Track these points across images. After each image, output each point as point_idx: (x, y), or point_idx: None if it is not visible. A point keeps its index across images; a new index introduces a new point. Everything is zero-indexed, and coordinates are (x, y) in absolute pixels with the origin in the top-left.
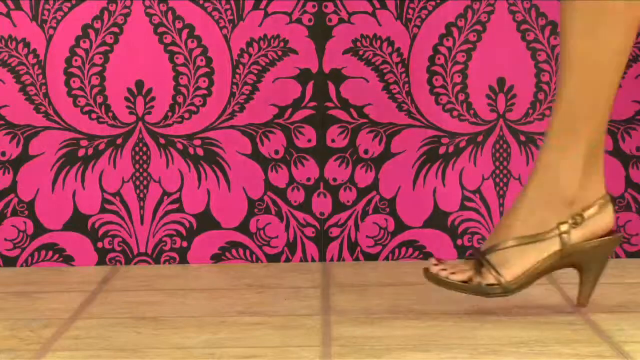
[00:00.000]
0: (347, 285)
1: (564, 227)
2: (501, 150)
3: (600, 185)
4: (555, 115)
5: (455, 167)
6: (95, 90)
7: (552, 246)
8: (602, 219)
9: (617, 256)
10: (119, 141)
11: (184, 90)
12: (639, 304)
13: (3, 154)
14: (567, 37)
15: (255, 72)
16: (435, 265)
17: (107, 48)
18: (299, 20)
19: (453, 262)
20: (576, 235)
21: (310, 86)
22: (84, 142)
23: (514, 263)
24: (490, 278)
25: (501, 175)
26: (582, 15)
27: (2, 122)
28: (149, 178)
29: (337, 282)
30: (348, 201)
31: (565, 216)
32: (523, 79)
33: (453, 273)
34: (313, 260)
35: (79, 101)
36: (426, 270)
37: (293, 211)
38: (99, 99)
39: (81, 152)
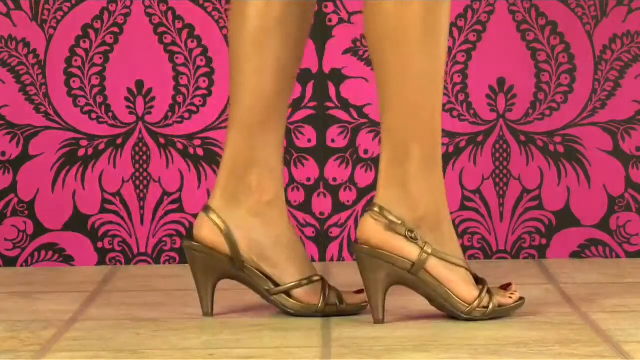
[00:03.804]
0: (347, 285)
1: None
2: (501, 150)
3: None
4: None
5: (455, 167)
6: (95, 90)
7: None
8: None
9: (617, 256)
10: (119, 141)
11: (183, 90)
12: (639, 304)
13: (3, 154)
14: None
15: None
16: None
17: (107, 48)
18: None
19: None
20: None
21: (310, 86)
22: (84, 142)
23: None
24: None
25: (501, 175)
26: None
27: (2, 122)
28: (149, 178)
29: (337, 282)
30: (348, 201)
31: None
32: (523, 79)
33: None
34: (313, 260)
35: (79, 101)
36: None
37: (293, 211)
38: (99, 99)
39: (81, 152)
